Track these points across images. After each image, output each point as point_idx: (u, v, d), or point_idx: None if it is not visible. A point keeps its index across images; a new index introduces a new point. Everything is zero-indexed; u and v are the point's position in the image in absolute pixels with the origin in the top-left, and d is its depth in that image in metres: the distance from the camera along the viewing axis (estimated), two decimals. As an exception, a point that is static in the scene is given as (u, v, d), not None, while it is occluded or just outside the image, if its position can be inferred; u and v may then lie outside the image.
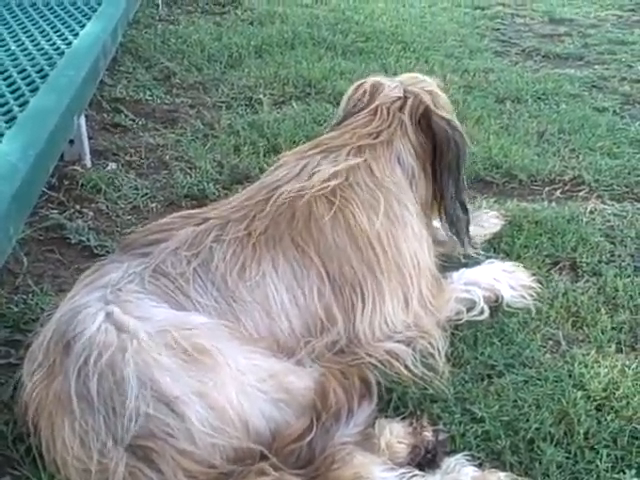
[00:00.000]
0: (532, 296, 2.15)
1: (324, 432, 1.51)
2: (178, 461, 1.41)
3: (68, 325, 1.52)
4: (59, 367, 1.48)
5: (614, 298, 2.20)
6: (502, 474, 1.55)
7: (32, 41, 2.88)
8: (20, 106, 2.20)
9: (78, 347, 1.47)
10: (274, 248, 1.77)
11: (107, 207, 2.66)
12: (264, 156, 2.97)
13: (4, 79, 2.46)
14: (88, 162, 2.95)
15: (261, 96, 3.64)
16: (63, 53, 2.68)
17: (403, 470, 1.51)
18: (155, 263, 1.68)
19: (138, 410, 1.41)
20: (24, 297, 2.15)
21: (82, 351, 1.46)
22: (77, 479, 1.43)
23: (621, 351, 2.00)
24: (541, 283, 2.23)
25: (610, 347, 2.00)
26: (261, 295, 1.72)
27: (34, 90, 2.31)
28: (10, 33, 2.99)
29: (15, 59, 2.66)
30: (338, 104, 3.46)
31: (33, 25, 3.11)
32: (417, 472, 1.52)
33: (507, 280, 2.15)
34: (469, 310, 2.06)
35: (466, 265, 2.24)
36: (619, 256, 2.42)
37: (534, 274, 2.24)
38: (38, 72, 2.49)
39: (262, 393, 1.52)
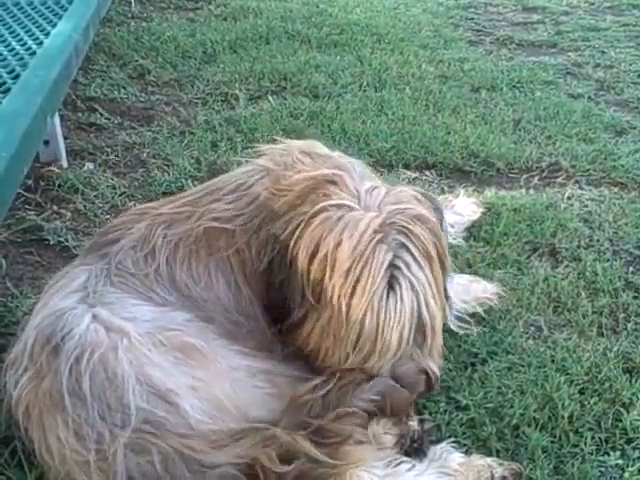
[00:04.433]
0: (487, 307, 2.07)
1: (340, 390, 1.53)
2: (178, 442, 1.39)
3: (54, 328, 1.50)
4: (47, 368, 1.46)
5: (594, 282, 2.22)
6: (488, 460, 1.56)
7: (3, 41, 2.83)
8: (-8, 108, 2.17)
9: (68, 346, 1.46)
10: (214, 254, 1.72)
11: (85, 207, 2.63)
12: (241, 151, 2.95)
13: (-25, 81, 2.42)
14: (64, 162, 2.92)
15: (237, 91, 3.62)
16: (35, 53, 2.65)
17: (390, 458, 1.51)
18: (114, 264, 1.65)
19: (137, 407, 1.40)
20: (3, 300, 2.12)
21: (73, 350, 1.45)
22: (78, 472, 1.41)
23: (602, 335, 2.02)
24: (522, 270, 2.24)
25: (592, 331, 2.02)
26: (213, 296, 1.68)
27: (6, 91, 2.27)
28: (-20, 34, 2.95)
29: (-14, 60, 2.62)
30: (314, 97, 3.52)
31: (3, 25, 3.06)
32: (404, 459, 1.52)
33: (460, 294, 2.03)
34: None
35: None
36: (597, 241, 2.44)
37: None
38: (9, 73, 2.45)
39: (256, 388, 1.52)
